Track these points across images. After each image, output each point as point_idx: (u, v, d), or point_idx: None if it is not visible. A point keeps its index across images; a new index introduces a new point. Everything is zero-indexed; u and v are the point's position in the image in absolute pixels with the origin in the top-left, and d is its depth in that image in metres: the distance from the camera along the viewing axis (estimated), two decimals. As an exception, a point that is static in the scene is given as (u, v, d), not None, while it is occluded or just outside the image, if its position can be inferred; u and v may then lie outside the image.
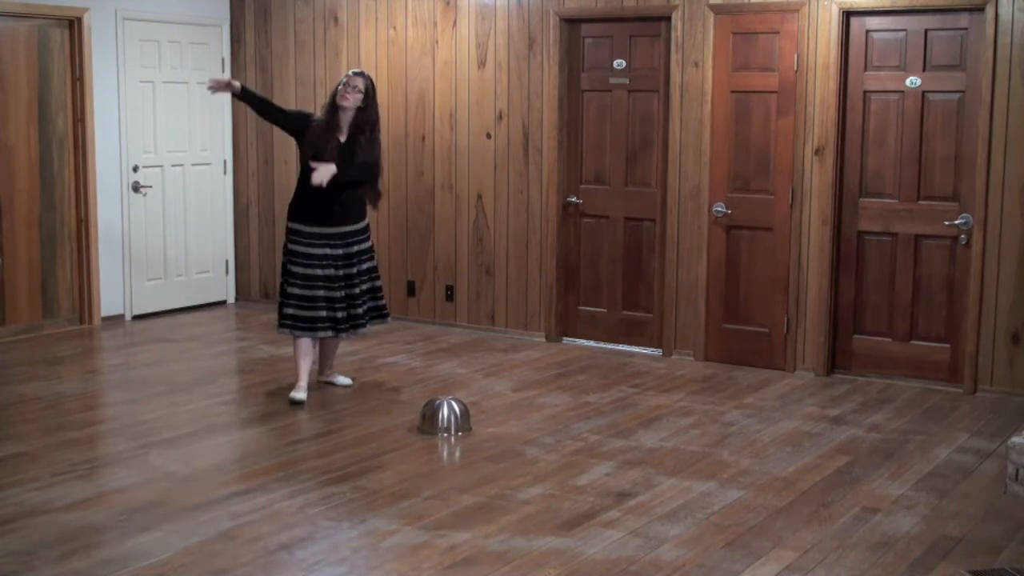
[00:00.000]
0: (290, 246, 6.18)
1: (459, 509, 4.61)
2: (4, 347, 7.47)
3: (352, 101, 6.08)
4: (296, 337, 6.22)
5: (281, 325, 6.21)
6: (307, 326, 6.16)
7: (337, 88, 6.14)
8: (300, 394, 6.17)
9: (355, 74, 6.16)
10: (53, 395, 6.35)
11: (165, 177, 8.63)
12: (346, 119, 6.13)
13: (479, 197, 8.03)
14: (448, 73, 8.06)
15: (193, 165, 8.84)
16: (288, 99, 8.70)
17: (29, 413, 6.00)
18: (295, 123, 6.29)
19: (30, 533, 4.31)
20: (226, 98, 9.01)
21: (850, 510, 4.66)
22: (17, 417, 5.94)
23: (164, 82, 8.57)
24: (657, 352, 7.49)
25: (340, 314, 6.20)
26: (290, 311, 6.16)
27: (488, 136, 7.94)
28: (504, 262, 7.99)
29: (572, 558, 4.13)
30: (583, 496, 4.77)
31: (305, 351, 6.24)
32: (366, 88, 6.11)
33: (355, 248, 6.26)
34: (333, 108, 6.12)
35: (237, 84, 6.19)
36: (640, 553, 4.18)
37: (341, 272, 6.20)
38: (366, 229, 6.35)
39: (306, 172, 6.08)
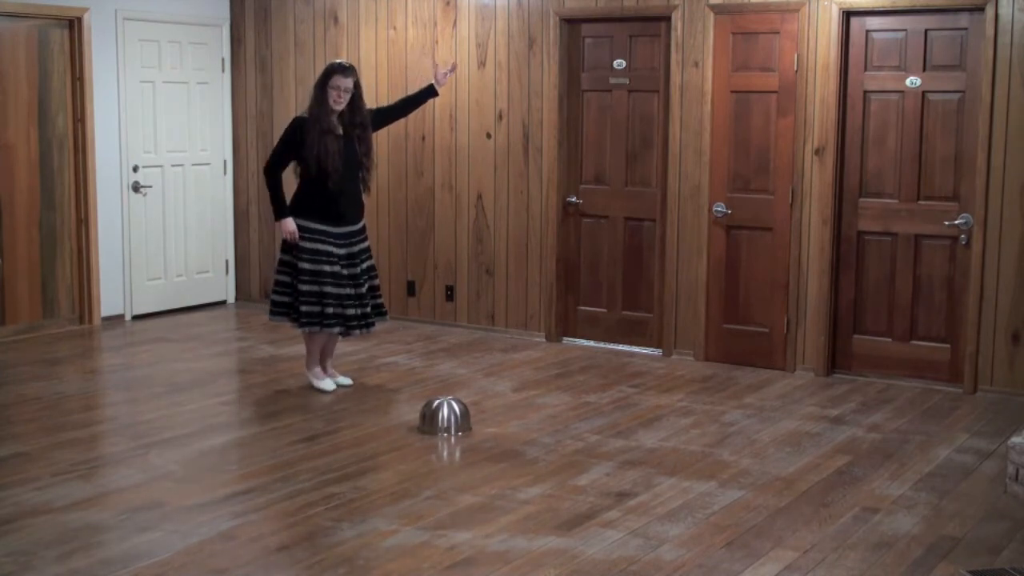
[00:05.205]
0: (299, 243, 6.22)
1: (459, 509, 4.61)
2: (4, 347, 7.47)
3: (345, 101, 6.20)
4: (312, 333, 6.33)
5: (302, 324, 6.27)
6: (317, 321, 6.25)
7: (327, 91, 6.15)
8: (333, 382, 6.47)
9: (342, 74, 6.17)
10: (53, 395, 6.35)
11: (165, 177, 8.62)
12: (337, 115, 6.25)
13: (479, 197, 8.03)
14: (448, 73, 8.05)
15: (193, 165, 8.84)
16: (288, 99, 8.71)
17: (29, 413, 6.00)
18: (295, 145, 6.23)
19: (30, 533, 4.31)
20: (226, 98, 9.02)
21: (850, 510, 4.66)
22: (17, 417, 5.95)
23: (164, 82, 8.57)
24: (657, 352, 7.49)
25: (350, 311, 6.28)
26: (307, 308, 6.23)
27: (488, 136, 7.94)
28: (504, 262, 7.99)
29: (572, 558, 4.13)
30: (583, 496, 4.77)
31: (318, 343, 6.41)
32: (355, 83, 6.24)
33: (357, 248, 6.37)
34: (327, 110, 6.17)
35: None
36: (640, 553, 4.18)
37: (345, 271, 6.29)
38: (365, 228, 6.47)
39: (312, 173, 6.17)
